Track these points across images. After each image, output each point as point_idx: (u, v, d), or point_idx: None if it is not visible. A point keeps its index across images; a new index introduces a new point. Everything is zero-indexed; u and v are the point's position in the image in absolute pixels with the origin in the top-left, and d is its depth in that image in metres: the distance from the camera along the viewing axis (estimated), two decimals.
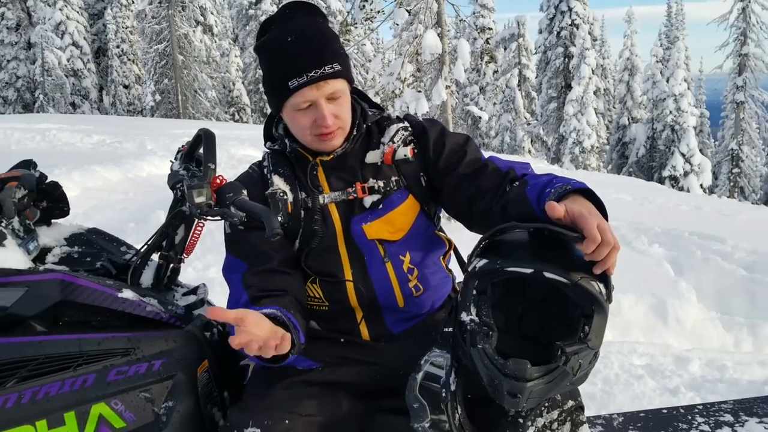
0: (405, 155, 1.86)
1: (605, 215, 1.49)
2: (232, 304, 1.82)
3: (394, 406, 1.75)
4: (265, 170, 1.91)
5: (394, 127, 1.91)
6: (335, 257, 1.85)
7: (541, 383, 1.41)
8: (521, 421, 1.58)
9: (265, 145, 1.99)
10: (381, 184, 1.85)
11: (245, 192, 1.72)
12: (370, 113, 1.93)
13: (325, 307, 1.89)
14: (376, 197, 1.84)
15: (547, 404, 1.60)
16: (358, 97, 1.96)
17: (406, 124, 1.93)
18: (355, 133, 1.88)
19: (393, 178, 1.86)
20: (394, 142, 1.88)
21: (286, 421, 1.62)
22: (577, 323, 1.45)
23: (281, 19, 1.82)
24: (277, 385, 1.73)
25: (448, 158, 1.86)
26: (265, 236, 1.60)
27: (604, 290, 1.45)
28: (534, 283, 1.46)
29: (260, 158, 1.98)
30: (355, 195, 1.84)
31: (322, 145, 1.83)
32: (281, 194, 1.82)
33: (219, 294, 5.07)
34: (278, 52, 1.77)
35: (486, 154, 1.92)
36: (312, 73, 1.72)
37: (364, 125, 1.90)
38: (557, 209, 1.41)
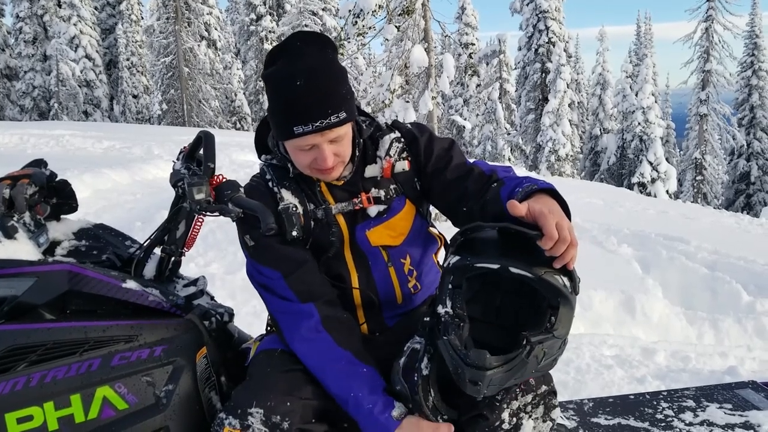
0: (403, 169, 1.87)
1: (568, 214, 1.51)
2: (286, 316, 1.78)
3: None
4: (270, 183, 1.85)
5: (387, 139, 1.88)
6: (341, 263, 1.85)
7: (500, 372, 1.43)
8: (497, 404, 1.58)
9: (259, 157, 1.94)
10: (382, 193, 1.84)
11: (242, 189, 1.72)
12: (364, 126, 1.89)
13: None
14: (382, 207, 1.83)
15: (522, 388, 1.60)
16: None
17: (398, 134, 1.91)
18: (357, 154, 1.84)
19: (392, 187, 1.86)
20: (390, 156, 1.86)
21: (288, 404, 1.60)
22: (546, 314, 1.46)
23: (290, 52, 1.69)
24: (280, 369, 1.71)
25: (436, 163, 1.87)
26: (261, 231, 1.60)
27: (568, 283, 1.46)
28: (503, 277, 1.47)
29: (258, 168, 1.93)
30: (360, 205, 1.83)
31: (321, 177, 1.81)
32: (293, 208, 1.77)
33: (218, 288, 5.05)
34: (285, 94, 1.66)
35: (471, 160, 1.92)
36: (317, 123, 1.64)
37: (361, 140, 1.86)
38: (518, 208, 1.42)
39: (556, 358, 1.53)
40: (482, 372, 1.41)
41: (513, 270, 1.44)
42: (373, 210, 1.83)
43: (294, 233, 1.74)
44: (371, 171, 1.86)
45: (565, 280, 1.46)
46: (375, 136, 1.90)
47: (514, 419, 1.59)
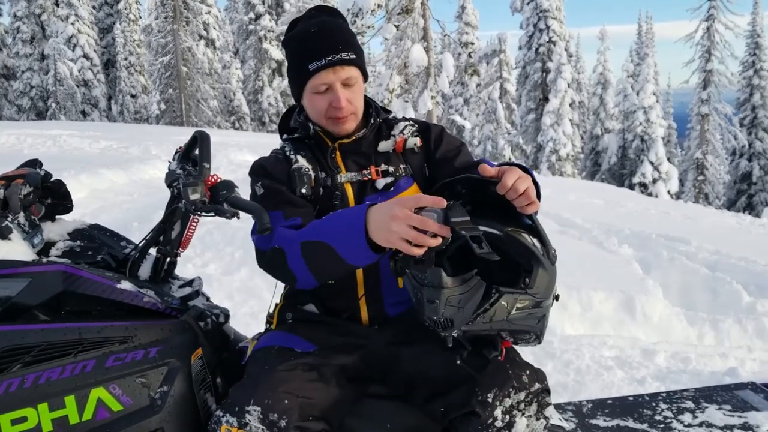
0: (414, 144, 1.98)
1: (539, 197, 1.63)
2: (283, 236, 1.78)
3: (380, 392, 1.78)
4: (288, 152, 1.97)
5: (402, 124, 2.03)
6: None
7: (457, 292, 1.50)
8: (489, 401, 1.59)
9: (281, 137, 2.07)
10: (392, 169, 1.94)
11: (238, 189, 1.72)
12: (381, 111, 2.05)
13: (331, 281, 1.86)
14: (389, 179, 1.92)
15: (515, 385, 1.61)
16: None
17: (412, 122, 2.06)
18: (372, 122, 1.98)
19: (401, 166, 1.96)
20: (404, 134, 1.99)
21: (286, 401, 1.60)
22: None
23: (307, 18, 1.97)
24: (278, 367, 1.71)
25: (444, 153, 1.98)
26: (257, 231, 1.60)
27: (539, 245, 1.57)
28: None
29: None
30: (369, 176, 1.92)
31: (336, 128, 1.92)
32: (305, 170, 1.89)
33: (216, 289, 5.04)
34: (301, 41, 1.90)
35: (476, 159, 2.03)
36: (330, 58, 1.83)
37: (378, 119, 2.00)
38: (488, 170, 1.59)
39: (539, 321, 1.62)
40: (438, 290, 1.48)
41: (480, 228, 1.51)
42: (381, 182, 1.92)
43: (303, 191, 1.87)
44: (384, 146, 1.97)
45: (535, 241, 1.56)
46: (390, 121, 2.05)
47: (507, 417, 1.59)
